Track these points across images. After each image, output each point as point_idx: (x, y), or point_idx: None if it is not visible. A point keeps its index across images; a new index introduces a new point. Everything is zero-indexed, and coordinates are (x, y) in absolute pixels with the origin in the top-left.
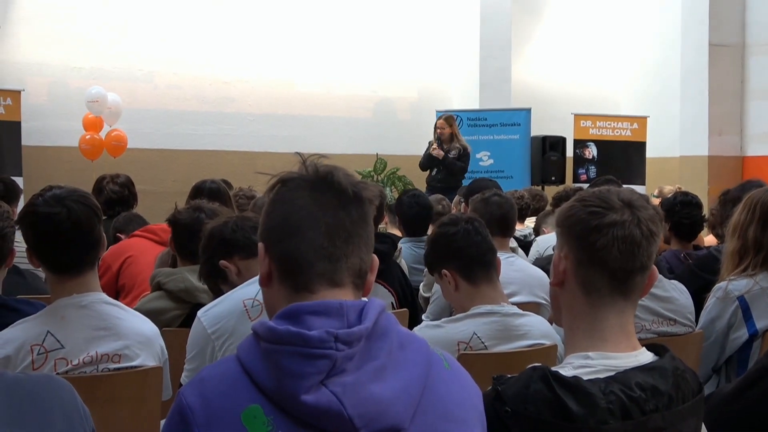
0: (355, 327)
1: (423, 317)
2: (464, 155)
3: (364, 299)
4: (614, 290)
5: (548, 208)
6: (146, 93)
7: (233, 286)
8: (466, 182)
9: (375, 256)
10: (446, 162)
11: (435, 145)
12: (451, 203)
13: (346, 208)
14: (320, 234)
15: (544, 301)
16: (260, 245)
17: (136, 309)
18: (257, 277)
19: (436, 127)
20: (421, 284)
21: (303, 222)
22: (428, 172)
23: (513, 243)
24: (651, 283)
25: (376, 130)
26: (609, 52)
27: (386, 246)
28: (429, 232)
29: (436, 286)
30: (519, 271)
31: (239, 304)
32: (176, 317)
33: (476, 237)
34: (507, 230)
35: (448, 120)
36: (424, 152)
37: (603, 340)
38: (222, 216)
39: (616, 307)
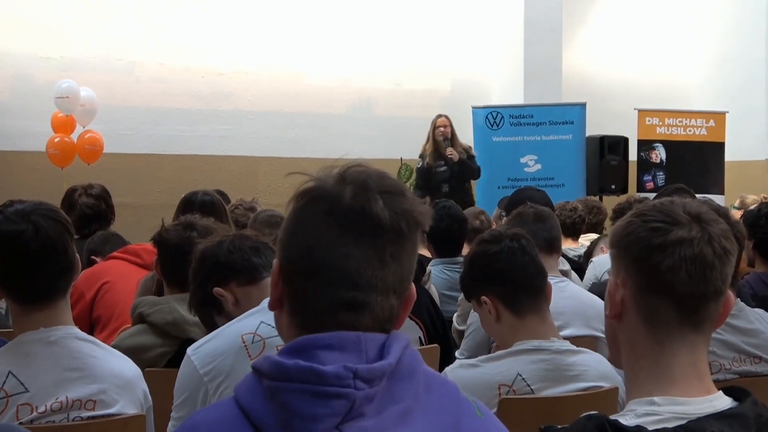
0: (376, 363)
1: (457, 354)
2: (470, 156)
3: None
4: (683, 321)
5: (607, 222)
6: (126, 87)
7: (230, 318)
8: (499, 191)
9: (413, 287)
10: (462, 164)
11: (448, 149)
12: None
13: (380, 247)
14: (344, 281)
15: (601, 335)
16: (275, 262)
17: (113, 345)
18: (259, 307)
19: (435, 126)
20: (455, 315)
21: (324, 263)
22: (431, 195)
23: (565, 265)
24: (726, 312)
25: (400, 131)
26: (679, 36)
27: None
28: (465, 251)
29: (473, 317)
30: (571, 298)
31: (237, 339)
32: (162, 355)
33: (522, 257)
34: (551, 248)
35: (448, 118)
36: (416, 169)
37: (671, 382)
38: (216, 234)
39: (686, 341)
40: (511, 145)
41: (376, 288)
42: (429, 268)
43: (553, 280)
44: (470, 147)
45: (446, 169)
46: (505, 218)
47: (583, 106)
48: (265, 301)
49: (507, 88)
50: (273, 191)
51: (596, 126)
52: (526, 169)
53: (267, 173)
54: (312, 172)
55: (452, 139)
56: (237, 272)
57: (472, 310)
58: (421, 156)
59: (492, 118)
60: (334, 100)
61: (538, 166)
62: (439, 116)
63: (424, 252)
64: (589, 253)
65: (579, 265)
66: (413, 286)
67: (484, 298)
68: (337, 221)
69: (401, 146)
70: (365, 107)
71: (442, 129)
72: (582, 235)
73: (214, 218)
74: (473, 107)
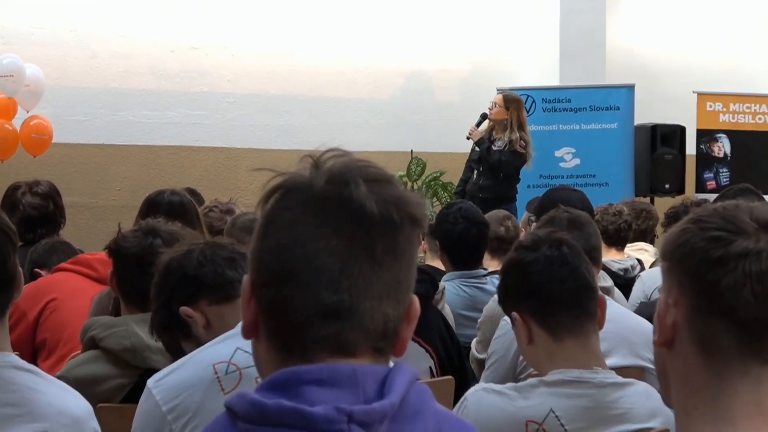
0: (375, 403)
1: None
2: (514, 153)
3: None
4: (745, 350)
5: (659, 229)
6: (80, 64)
7: (199, 343)
8: (529, 190)
9: (415, 299)
10: (482, 151)
11: (471, 127)
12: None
13: (368, 240)
14: (325, 280)
15: (650, 365)
16: (246, 279)
17: (60, 376)
18: (235, 331)
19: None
20: (474, 341)
21: (300, 262)
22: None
23: (607, 280)
24: None
25: (410, 118)
26: (745, 6)
27: (422, 286)
28: (487, 263)
29: (496, 344)
30: (614, 321)
31: (208, 369)
32: (118, 388)
33: (561, 268)
34: (590, 261)
35: (510, 101)
36: (470, 151)
37: (730, 423)
38: (185, 242)
39: (750, 375)
40: (545, 136)
41: (366, 290)
42: (442, 284)
43: None
44: (520, 138)
45: (478, 150)
46: (534, 224)
47: (631, 88)
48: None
49: (539, 67)
50: (256, 190)
51: (647, 113)
52: (561, 165)
53: (249, 168)
54: (286, 166)
55: (504, 127)
56: (208, 288)
57: (496, 336)
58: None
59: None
60: (331, 81)
61: (577, 161)
62: (497, 93)
63: (437, 263)
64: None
65: (625, 281)
66: (416, 299)
67: (515, 314)
68: (313, 212)
69: (412, 136)
70: (368, 90)
71: (490, 105)
72: (628, 245)
73: (182, 223)
74: (498, 89)
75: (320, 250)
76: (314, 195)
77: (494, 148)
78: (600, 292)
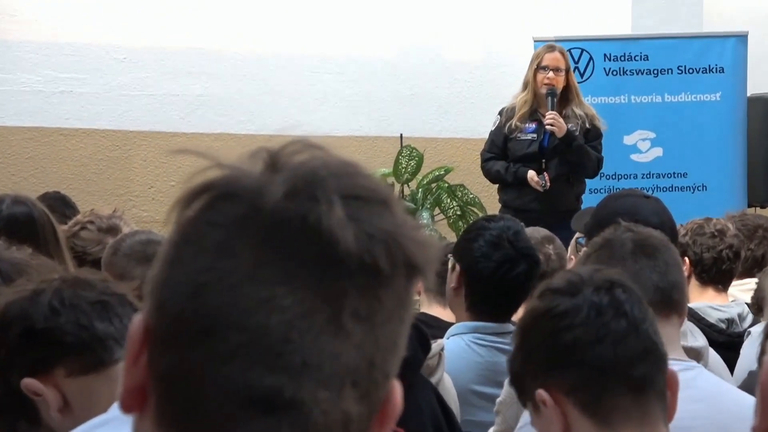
0: None
1: None
2: (594, 133)
3: None
4: None
5: None
6: None
7: None
8: (590, 198)
9: (396, 390)
10: (572, 146)
11: (548, 112)
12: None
13: (335, 294)
14: (261, 350)
15: None
16: (138, 320)
17: None
18: (108, 416)
19: (539, 65)
20: (491, 431)
21: (226, 315)
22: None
23: (698, 338)
24: None
25: (398, 87)
26: None
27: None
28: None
29: None
30: (704, 400)
31: None
32: None
33: (617, 323)
34: (666, 306)
35: (564, 53)
36: (488, 139)
37: None
38: (32, 278)
39: None
40: (608, 113)
41: (320, 372)
42: (441, 341)
43: (674, 366)
44: (594, 115)
45: (534, 137)
46: (583, 249)
47: (742, 38)
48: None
49: (599, 8)
50: (160, 194)
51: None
52: (634, 157)
53: (149, 161)
54: (224, 154)
55: (567, 97)
56: (67, 350)
57: (520, 426)
58: (501, 112)
59: (572, 61)
60: (287, 39)
61: (657, 152)
62: (550, 48)
63: (436, 310)
64: (759, 303)
65: (728, 339)
66: (397, 389)
67: (542, 393)
68: (258, 239)
69: (401, 117)
70: (335, 46)
71: (549, 75)
72: (734, 282)
73: (32, 247)
74: (535, 40)
75: (259, 302)
76: (263, 212)
77: (555, 132)
78: (675, 364)
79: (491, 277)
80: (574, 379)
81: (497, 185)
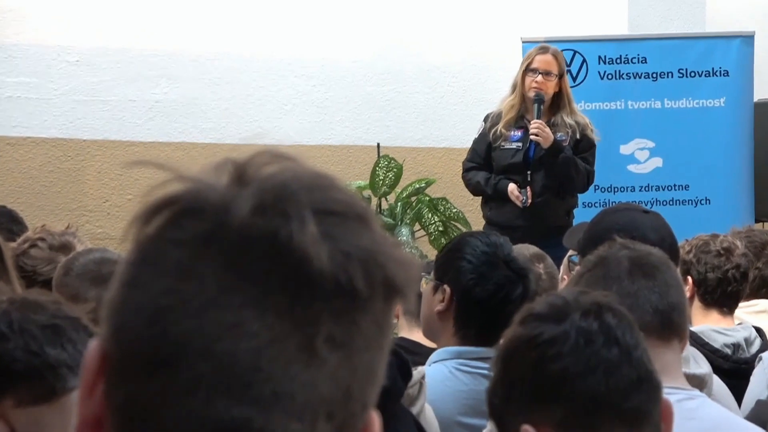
0: None
1: None
2: (585, 145)
3: None
4: None
5: None
6: None
7: None
8: (584, 212)
9: (374, 422)
10: (559, 158)
11: (533, 120)
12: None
13: (308, 319)
14: (227, 380)
15: None
16: (94, 346)
17: None
18: None
19: (528, 68)
20: None
21: (188, 342)
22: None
23: (701, 365)
24: None
25: (375, 90)
26: None
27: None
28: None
29: None
30: (708, 431)
31: None
32: None
33: (607, 351)
34: (666, 329)
35: (562, 61)
36: (470, 149)
37: None
38: None
39: None
40: (603, 120)
41: (292, 404)
42: (422, 369)
43: (674, 395)
44: (587, 124)
45: (519, 146)
46: (577, 267)
47: (748, 39)
48: None
49: (593, 6)
50: (116, 208)
51: None
52: (631, 168)
53: (104, 173)
54: (186, 166)
55: (558, 103)
56: (16, 379)
57: None
58: (486, 118)
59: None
60: (252, 40)
61: (657, 162)
62: (542, 50)
63: (416, 335)
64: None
65: (735, 365)
66: (375, 421)
67: (528, 429)
68: (224, 259)
69: (377, 124)
70: (306, 50)
71: (538, 79)
72: (741, 304)
73: None
74: (524, 41)
75: (225, 328)
76: (229, 229)
77: (541, 142)
78: (676, 393)
79: (489, 300)
80: (563, 413)
81: (481, 198)
